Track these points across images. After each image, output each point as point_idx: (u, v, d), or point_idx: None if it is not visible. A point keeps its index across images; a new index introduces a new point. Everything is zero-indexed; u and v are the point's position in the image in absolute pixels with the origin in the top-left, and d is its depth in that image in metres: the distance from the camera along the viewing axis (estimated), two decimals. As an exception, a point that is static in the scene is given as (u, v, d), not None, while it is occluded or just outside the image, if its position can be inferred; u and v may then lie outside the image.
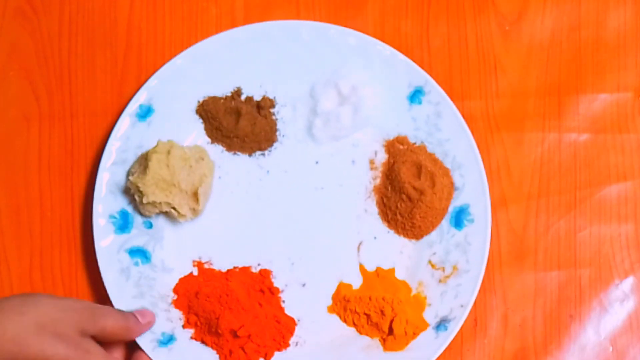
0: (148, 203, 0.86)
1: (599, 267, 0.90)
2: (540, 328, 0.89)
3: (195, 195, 0.87)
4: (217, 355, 0.85)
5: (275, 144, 0.91)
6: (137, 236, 0.88)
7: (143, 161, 0.86)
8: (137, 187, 0.85)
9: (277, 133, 0.91)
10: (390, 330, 0.86)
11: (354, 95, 0.90)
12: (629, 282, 0.90)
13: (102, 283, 0.86)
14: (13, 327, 0.71)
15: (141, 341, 0.84)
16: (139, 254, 0.87)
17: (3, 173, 0.91)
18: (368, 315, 0.87)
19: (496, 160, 0.90)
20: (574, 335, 0.89)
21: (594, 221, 0.91)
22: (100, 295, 0.88)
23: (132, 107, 0.89)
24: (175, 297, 0.87)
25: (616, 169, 0.92)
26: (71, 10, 0.93)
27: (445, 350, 0.86)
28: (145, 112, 0.89)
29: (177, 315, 0.87)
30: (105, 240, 0.87)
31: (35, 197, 0.91)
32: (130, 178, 0.86)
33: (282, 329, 0.86)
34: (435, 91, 0.89)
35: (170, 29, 0.93)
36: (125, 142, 0.89)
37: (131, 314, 0.83)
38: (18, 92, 0.92)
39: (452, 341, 0.86)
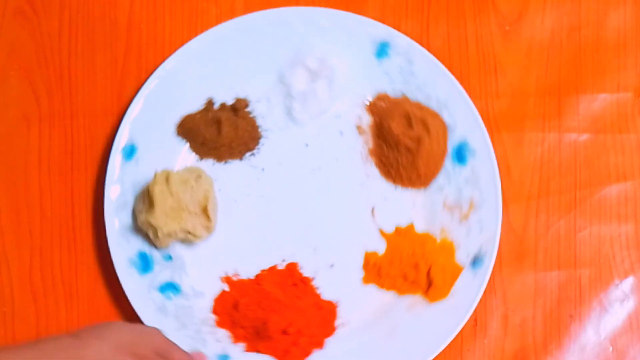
0: (164, 235, 0.85)
1: (599, 267, 0.90)
2: (540, 328, 0.89)
3: (205, 213, 0.86)
4: (274, 359, 0.85)
5: (261, 141, 0.90)
6: (161, 271, 0.87)
7: (145, 197, 0.86)
8: (150, 223, 0.85)
9: (260, 129, 0.90)
10: (429, 282, 0.86)
11: (324, 68, 0.90)
12: (629, 282, 0.90)
13: (103, 291, 0.86)
14: (93, 352, 0.72)
15: None
16: (169, 288, 0.87)
17: (3, 173, 0.91)
18: (404, 275, 0.87)
19: (496, 160, 0.90)
20: (574, 335, 0.89)
21: (594, 221, 0.91)
22: (101, 296, 0.88)
23: (115, 153, 0.88)
24: (216, 317, 0.87)
25: (616, 169, 0.92)
26: (71, 10, 0.93)
27: (445, 350, 0.85)
28: (129, 152, 0.88)
29: (224, 334, 0.86)
30: (133, 284, 0.86)
31: (35, 197, 0.91)
32: (140, 217, 0.86)
33: (325, 315, 0.86)
34: (400, 41, 0.90)
35: (170, 29, 0.93)
36: (121, 185, 0.88)
37: (192, 355, 0.82)
38: (18, 92, 0.92)
39: (452, 341, 0.86)
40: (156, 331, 0.79)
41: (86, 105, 0.92)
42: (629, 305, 0.90)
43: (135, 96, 0.89)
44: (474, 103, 0.90)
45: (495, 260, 0.89)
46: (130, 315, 0.88)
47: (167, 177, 0.86)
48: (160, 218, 0.85)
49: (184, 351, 0.82)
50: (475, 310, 0.88)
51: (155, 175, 0.86)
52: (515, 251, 0.90)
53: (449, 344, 0.85)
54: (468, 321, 0.87)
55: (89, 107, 0.92)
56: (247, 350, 0.86)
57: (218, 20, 0.93)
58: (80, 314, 0.90)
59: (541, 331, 0.89)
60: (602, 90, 0.93)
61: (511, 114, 0.92)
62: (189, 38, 0.92)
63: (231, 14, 0.93)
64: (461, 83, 0.90)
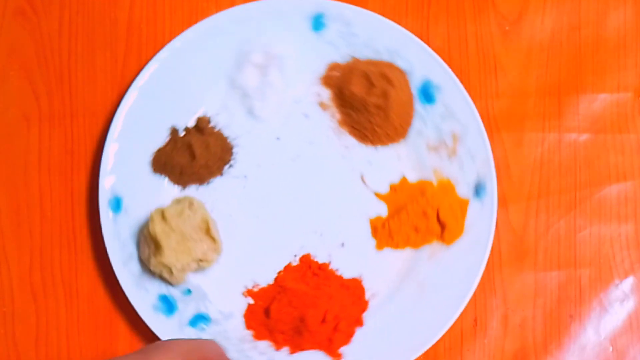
0: (179, 271, 0.85)
1: (599, 267, 0.90)
2: (540, 328, 0.89)
3: (209, 235, 0.86)
4: (322, 351, 0.85)
5: (234, 150, 0.90)
6: (186, 307, 0.87)
7: (149, 241, 0.85)
8: (162, 264, 0.84)
9: (229, 139, 0.90)
10: (442, 225, 0.87)
11: (270, 58, 0.90)
12: (629, 282, 0.90)
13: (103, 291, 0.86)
14: None
15: None
16: (198, 320, 0.87)
17: (3, 173, 0.91)
18: (415, 228, 0.87)
19: (496, 160, 0.90)
20: (574, 335, 0.89)
21: (594, 221, 0.91)
22: (101, 296, 0.88)
23: (104, 209, 0.87)
24: (252, 332, 0.87)
25: (616, 169, 0.92)
26: (71, 10, 0.93)
27: (444, 351, 0.85)
28: (116, 205, 0.88)
29: (265, 344, 0.86)
30: (164, 328, 0.86)
31: (35, 197, 0.91)
32: (151, 262, 0.85)
33: (354, 292, 0.87)
34: (332, 9, 0.89)
35: (170, 29, 0.93)
36: (118, 238, 0.87)
37: None
38: (18, 92, 0.92)
39: (451, 341, 0.85)
40: (212, 342, 0.79)
41: (86, 105, 0.92)
42: (629, 305, 0.90)
43: (105, 144, 0.88)
44: (474, 103, 0.90)
45: (496, 260, 0.89)
46: (131, 315, 0.88)
47: (162, 214, 0.85)
48: (171, 256, 0.84)
49: None
50: (475, 310, 0.88)
51: (151, 217, 0.85)
52: (515, 251, 0.90)
53: (449, 344, 0.85)
54: (468, 321, 0.87)
55: (89, 107, 0.92)
56: (292, 352, 0.86)
57: (218, 20, 0.93)
58: (80, 314, 0.90)
59: (541, 331, 0.89)
60: (602, 90, 0.93)
61: (511, 114, 0.92)
62: (189, 38, 0.92)
63: (231, 14, 0.93)
64: (461, 83, 0.90)
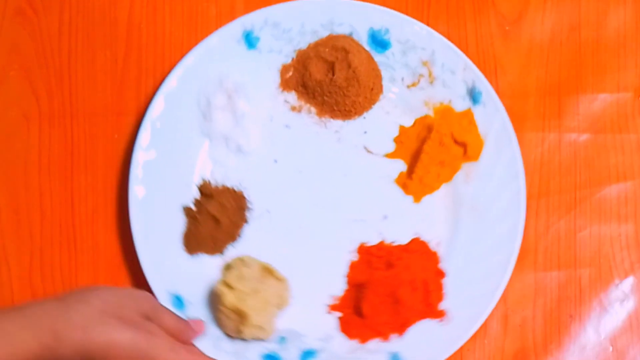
0: (271, 323, 0.85)
1: (599, 267, 0.90)
2: (540, 328, 0.89)
3: (274, 277, 0.86)
4: (426, 318, 0.86)
5: (245, 194, 0.89)
6: (289, 354, 0.85)
7: (229, 315, 0.84)
8: (255, 327, 0.84)
9: (236, 188, 0.89)
10: (463, 145, 0.88)
11: (230, 92, 0.89)
12: (629, 282, 0.90)
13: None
14: (79, 316, 0.73)
15: None
16: (307, 357, 0.86)
17: (3, 173, 0.91)
18: (439, 161, 0.88)
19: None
20: (574, 335, 0.89)
21: (594, 221, 0.91)
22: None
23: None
24: (357, 339, 0.86)
25: (616, 169, 0.92)
26: (71, 10, 0.93)
27: (445, 350, 0.86)
28: (179, 303, 0.86)
29: (375, 341, 0.86)
30: None
31: (35, 197, 0.91)
32: (245, 333, 0.84)
33: (421, 250, 0.88)
34: (255, 21, 0.90)
35: (170, 29, 0.93)
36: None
37: (187, 321, 0.83)
38: (18, 92, 0.92)
39: (452, 341, 0.86)
40: (145, 295, 0.79)
41: (86, 105, 0.92)
42: (629, 305, 0.90)
43: (141, 263, 0.86)
44: (474, 103, 0.90)
45: (496, 260, 0.89)
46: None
47: (227, 285, 0.84)
48: (257, 316, 0.83)
49: (175, 315, 0.82)
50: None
51: (220, 293, 0.83)
52: (515, 251, 0.90)
53: (449, 344, 0.85)
54: (468, 321, 0.87)
55: (89, 107, 0.92)
56: (402, 334, 0.86)
57: (218, 21, 0.93)
58: (80, 314, 0.90)
59: (541, 331, 0.89)
60: (602, 90, 0.93)
61: (511, 114, 0.92)
62: (189, 38, 0.92)
63: (231, 14, 0.93)
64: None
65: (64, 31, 0.93)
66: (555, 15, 0.94)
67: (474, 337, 0.88)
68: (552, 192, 0.91)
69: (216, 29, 0.91)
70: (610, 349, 0.89)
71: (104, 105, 0.92)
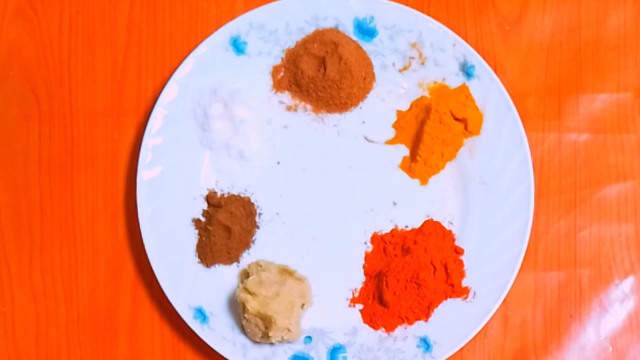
0: (298, 325, 0.85)
1: (599, 267, 0.90)
2: (540, 328, 0.89)
3: (294, 278, 0.86)
4: (451, 298, 0.87)
5: (253, 199, 0.90)
6: (318, 352, 0.87)
7: (255, 321, 0.84)
8: (282, 330, 0.84)
9: (242, 195, 0.89)
10: (464, 122, 0.89)
11: (226, 100, 0.90)
12: (629, 282, 0.90)
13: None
14: None
15: None
16: (335, 353, 0.87)
17: (3, 173, 0.91)
18: (442, 140, 0.88)
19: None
20: (574, 335, 0.89)
21: (594, 221, 0.91)
22: (101, 296, 0.88)
23: (193, 324, 0.87)
24: (383, 328, 0.87)
25: (616, 169, 0.92)
26: (71, 10, 0.93)
27: (445, 350, 0.86)
28: (203, 317, 0.87)
29: (400, 328, 0.87)
30: None
31: (35, 197, 0.91)
32: (272, 336, 0.84)
33: (435, 230, 0.88)
34: (241, 26, 0.90)
35: (170, 29, 0.93)
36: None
37: None
38: (18, 92, 0.92)
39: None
40: None
41: (86, 105, 0.92)
42: (629, 305, 0.90)
43: (159, 281, 0.87)
44: (474, 103, 0.90)
45: (495, 260, 0.89)
46: (131, 316, 0.88)
47: (248, 292, 0.84)
48: (283, 318, 0.84)
49: None
50: (475, 310, 0.88)
51: (243, 300, 0.84)
52: (515, 251, 0.90)
53: (449, 344, 0.85)
54: (468, 321, 0.87)
55: (89, 107, 0.92)
56: (427, 319, 0.87)
57: (218, 20, 0.93)
58: (80, 314, 0.90)
59: (541, 331, 0.89)
60: (602, 90, 0.93)
61: (511, 114, 0.92)
62: (189, 38, 0.92)
63: (231, 14, 0.93)
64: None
65: (64, 31, 0.93)
66: (555, 15, 0.94)
67: (473, 337, 0.88)
68: (552, 192, 0.91)
69: (216, 29, 0.91)
70: (610, 349, 0.89)
71: (104, 105, 0.92)
